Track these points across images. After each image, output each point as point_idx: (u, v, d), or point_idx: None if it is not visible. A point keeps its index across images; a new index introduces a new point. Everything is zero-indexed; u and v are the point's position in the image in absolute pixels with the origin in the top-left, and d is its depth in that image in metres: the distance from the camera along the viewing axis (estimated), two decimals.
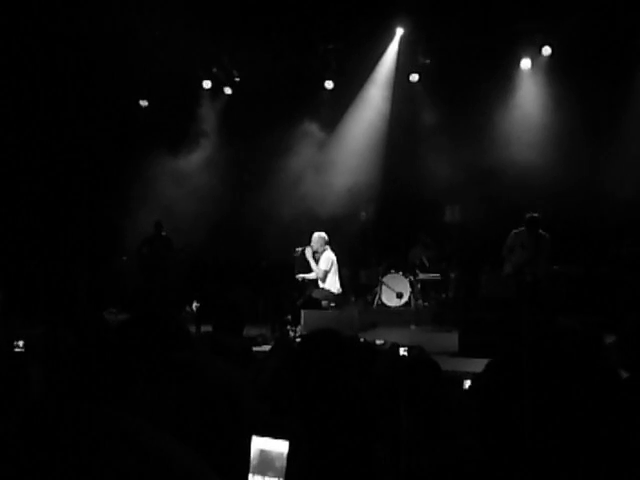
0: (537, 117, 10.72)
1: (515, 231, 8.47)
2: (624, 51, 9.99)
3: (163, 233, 10.58)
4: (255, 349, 6.74)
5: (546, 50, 10.55)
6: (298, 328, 7.78)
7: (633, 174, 9.40)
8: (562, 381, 1.39)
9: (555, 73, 10.54)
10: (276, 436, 1.87)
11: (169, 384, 1.72)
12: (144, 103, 12.02)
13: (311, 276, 8.56)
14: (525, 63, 10.83)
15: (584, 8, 9.49)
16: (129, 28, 9.53)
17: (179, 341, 1.79)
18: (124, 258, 11.06)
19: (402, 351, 4.63)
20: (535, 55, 10.74)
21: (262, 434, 1.73)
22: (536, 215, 8.33)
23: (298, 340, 7.57)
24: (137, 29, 9.78)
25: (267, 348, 6.93)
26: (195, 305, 9.12)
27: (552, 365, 1.41)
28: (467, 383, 3.45)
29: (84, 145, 11.26)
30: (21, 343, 3.24)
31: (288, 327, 8.03)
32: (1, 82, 9.86)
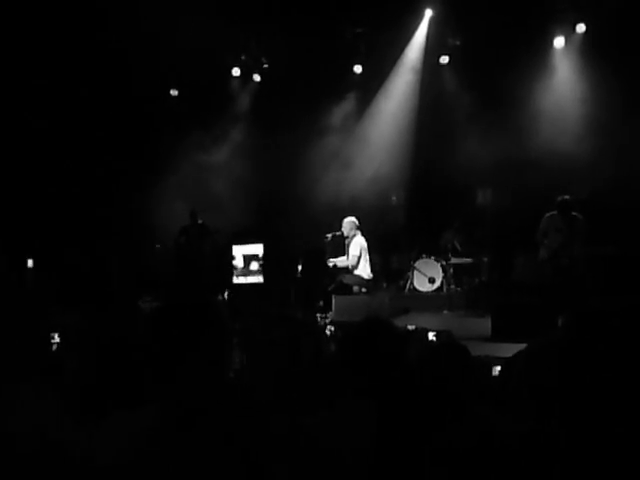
0: (572, 97, 10.48)
1: (548, 215, 8.33)
2: None
3: (199, 221, 10.69)
4: None
5: (580, 27, 10.29)
6: (329, 314, 7.80)
7: None
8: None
9: (590, 51, 10.28)
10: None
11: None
12: (174, 92, 12.10)
13: (342, 262, 8.56)
14: (558, 42, 10.58)
15: None
16: (157, 18, 9.58)
17: (214, 329, 1.79)
18: (157, 246, 11.20)
19: (431, 336, 4.61)
20: (569, 33, 10.48)
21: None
22: (568, 197, 8.18)
23: (330, 325, 7.60)
24: (165, 18, 9.83)
25: None
26: (227, 293, 9.20)
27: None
28: (497, 369, 3.42)
29: (117, 135, 11.40)
30: (56, 336, 3.29)
31: (318, 315, 8.05)
32: (34, 76, 10.02)
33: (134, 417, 1.68)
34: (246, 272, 8.17)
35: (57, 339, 3.25)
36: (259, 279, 8.16)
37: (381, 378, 2.17)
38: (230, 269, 8.28)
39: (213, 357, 1.69)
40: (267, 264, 8.17)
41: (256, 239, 8.37)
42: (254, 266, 8.12)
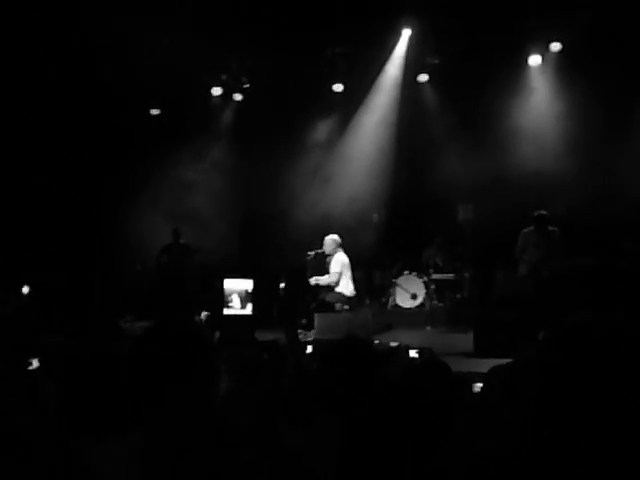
0: (548, 113, 10.66)
1: (525, 230, 8.41)
2: (634, 45, 9.90)
3: (181, 241, 10.65)
4: None
5: (555, 46, 10.48)
6: (311, 332, 7.78)
7: None
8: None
9: (565, 69, 10.47)
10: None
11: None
12: (155, 112, 12.10)
13: (324, 280, 8.56)
14: (534, 60, 10.77)
15: (592, 2, 9.42)
16: (138, 36, 9.60)
17: (200, 350, 1.79)
18: (139, 267, 11.14)
19: (412, 353, 4.62)
20: (544, 51, 10.67)
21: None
22: (544, 212, 8.28)
23: (311, 343, 7.60)
24: (146, 37, 9.86)
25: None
26: (204, 314, 9.19)
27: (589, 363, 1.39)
28: (477, 386, 3.42)
29: (97, 155, 11.36)
30: (35, 362, 3.24)
31: (300, 331, 8.06)
32: (11, 95, 9.96)
33: (119, 444, 1.66)
34: (236, 306, 8.42)
35: (36, 364, 3.21)
36: (248, 311, 8.40)
37: (359, 396, 2.17)
38: (220, 299, 8.53)
39: (201, 381, 1.68)
40: (257, 298, 8.47)
41: (246, 274, 8.65)
42: (244, 301, 8.39)
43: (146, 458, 1.57)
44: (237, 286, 8.49)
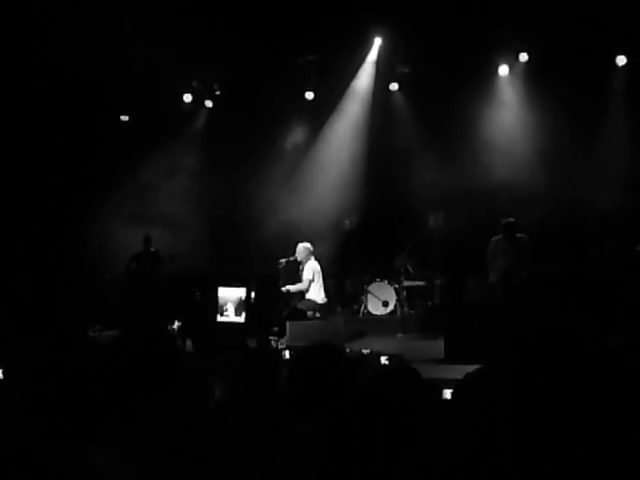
0: (516, 122, 10.82)
1: (494, 238, 8.52)
2: (599, 56, 10.13)
3: (152, 249, 10.54)
4: None
5: (523, 57, 10.66)
6: (283, 339, 7.76)
7: (611, 180, 9.53)
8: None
9: (533, 79, 10.66)
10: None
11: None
12: (125, 118, 11.98)
13: (296, 288, 8.55)
14: (503, 70, 10.94)
15: (559, 14, 9.60)
16: (108, 43, 9.52)
17: (169, 361, 1.78)
18: (109, 275, 10.99)
19: (383, 360, 4.63)
20: (512, 62, 10.85)
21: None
22: (512, 220, 8.40)
23: (285, 351, 7.58)
24: (116, 44, 9.77)
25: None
26: (177, 324, 9.12)
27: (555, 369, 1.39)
28: (448, 392, 3.44)
29: (66, 161, 11.21)
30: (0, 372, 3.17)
31: (270, 338, 8.05)
32: None
33: (94, 453, 1.63)
34: (229, 314, 8.42)
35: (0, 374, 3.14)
36: (241, 319, 8.38)
37: (330, 403, 2.17)
38: (214, 308, 8.53)
39: (175, 388, 1.67)
40: (251, 305, 8.47)
41: (240, 282, 8.65)
42: (238, 308, 8.40)
43: (131, 460, 1.55)
44: (231, 294, 8.46)
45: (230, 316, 8.39)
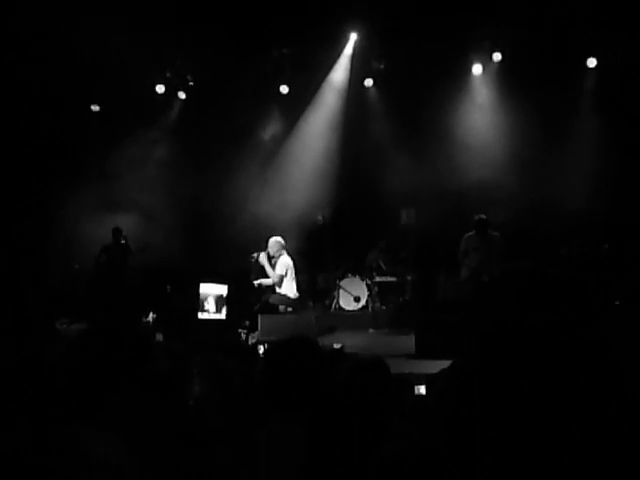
0: (489, 121, 10.94)
1: (466, 235, 8.61)
2: (571, 57, 10.28)
3: (122, 241, 10.40)
4: None
5: (496, 56, 10.77)
6: (255, 334, 7.73)
7: (580, 180, 9.68)
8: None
9: (505, 78, 10.77)
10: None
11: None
12: (95, 108, 11.79)
13: (268, 282, 8.52)
14: (477, 69, 11.03)
15: (532, 15, 9.71)
16: (80, 32, 9.35)
17: (139, 352, 1.75)
18: (76, 266, 10.81)
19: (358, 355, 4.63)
20: (486, 61, 10.94)
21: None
22: (484, 217, 8.48)
23: (260, 346, 7.55)
24: (89, 33, 9.60)
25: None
26: (152, 316, 9.02)
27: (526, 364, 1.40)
28: (421, 388, 3.46)
29: (35, 151, 10.98)
30: None
31: (240, 331, 8.02)
32: None
33: None
34: (210, 310, 8.37)
35: None
36: (222, 316, 8.33)
37: (303, 396, 2.15)
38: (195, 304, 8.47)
39: (146, 382, 1.64)
40: (232, 302, 8.41)
41: (222, 279, 8.60)
42: (219, 305, 8.35)
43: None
44: (212, 290, 8.43)
45: (210, 313, 8.36)
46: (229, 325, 8.41)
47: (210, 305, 8.35)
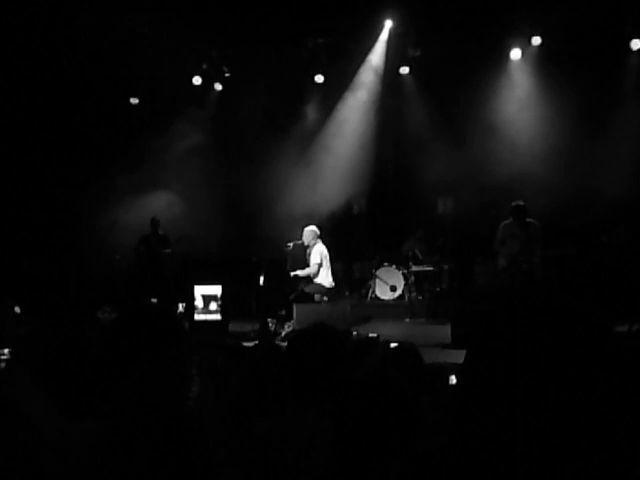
0: (528, 107, 10.71)
1: (504, 223, 8.43)
2: (613, 39, 10.00)
3: (160, 231, 10.57)
4: (247, 344, 6.75)
5: (536, 40, 10.53)
6: (291, 323, 7.79)
7: (623, 166, 9.43)
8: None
9: (545, 63, 10.54)
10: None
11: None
12: (135, 101, 11.98)
13: (304, 273, 8.55)
14: (515, 53, 10.81)
15: None
16: (118, 26, 9.50)
17: (172, 337, 1.79)
18: (117, 257, 11.03)
19: (392, 345, 4.62)
20: (525, 45, 10.71)
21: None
22: (521, 203, 8.26)
23: (285, 334, 7.62)
24: (126, 26, 9.74)
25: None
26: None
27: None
28: (453, 378, 3.45)
29: (76, 143, 11.22)
30: (6, 351, 3.20)
31: (269, 320, 8.10)
32: None
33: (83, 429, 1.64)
34: (206, 311, 8.54)
35: (7, 354, 3.17)
36: (217, 317, 8.49)
37: (326, 385, 2.16)
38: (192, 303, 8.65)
39: (168, 366, 1.68)
40: (225, 304, 8.53)
41: (216, 280, 8.75)
42: (213, 306, 8.54)
43: (114, 441, 1.56)
44: (206, 292, 8.58)
45: (205, 314, 8.50)
46: (225, 325, 8.53)
47: (204, 306, 8.50)
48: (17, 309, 8.86)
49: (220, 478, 1.65)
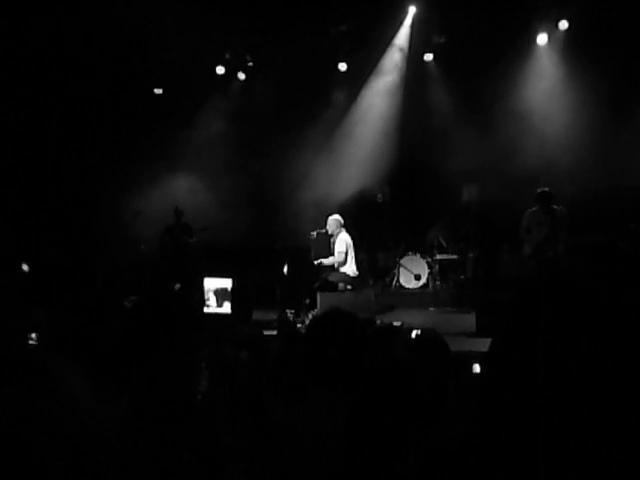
0: (555, 93, 10.53)
1: (530, 210, 8.31)
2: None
3: (183, 220, 10.65)
4: (270, 333, 6.78)
5: (563, 24, 10.34)
6: (314, 311, 7.80)
7: None
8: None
9: (572, 48, 10.33)
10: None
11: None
12: (158, 91, 12.05)
13: (328, 261, 8.56)
14: (542, 38, 10.62)
15: None
16: (140, 16, 9.53)
17: (188, 324, 1.81)
18: (142, 246, 11.15)
19: (415, 332, 4.61)
20: (552, 30, 10.52)
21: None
22: (547, 189, 8.13)
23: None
24: (148, 16, 9.77)
25: None
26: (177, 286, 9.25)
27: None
28: (477, 367, 3.43)
29: (101, 134, 11.34)
30: (34, 335, 3.27)
31: (287, 311, 8.11)
32: (15, 74, 9.93)
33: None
34: (216, 305, 8.55)
35: (34, 338, 3.24)
36: (227, 310, 8.48)
37: (346, 370, 2.16)
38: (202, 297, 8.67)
39: (183, 348, 1.70)
40: (236, 297, 8.52)
41: (226, 273, 8.75)
42: (224, 299, 8.50)
43: (132, 422, 1.59)
44: (215, 285, 8.57)
45: (212, 307, 8.49)
46: (235, 319, 8.52)
47: (212, 300, 8.49)
48: (25, 267, 9.02)
49: (233, 469, 1.67)
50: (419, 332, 4.88)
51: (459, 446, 2.07)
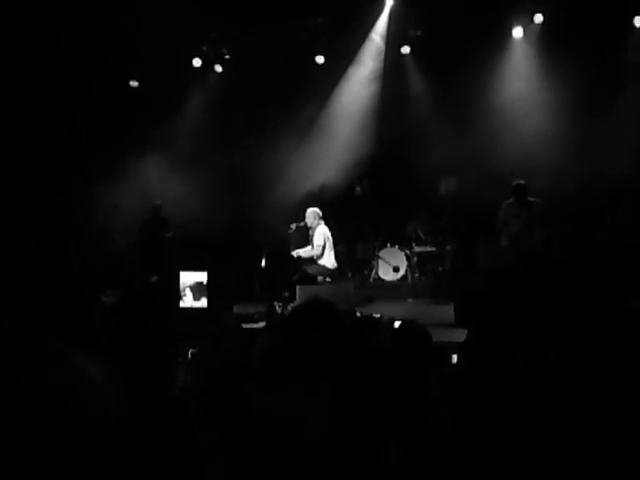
0: (530, 86, 10.64)
1: (506, 202, 8.43)
2: (616, 18, 9.89)
3: (161, 215, 10.58)
4: (251, 326, 6.78)
5: (538, 18, 10.44)
6: (294, 304, 7.80)
7: (627, 146, 9.37)
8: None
9: (547, 41, 10.44)
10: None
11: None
12: (134, 83, 11.92)
13: (306, 252, 8.57)
14: (517, 32, 10.71)
15: None
16: (115, 7, 9.41)
17: (168, 317, 1.82)
18: (119, 241, 11.05)
19: (397, 324, 4.64)
20: (527, 23, 10.62)
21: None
22: (522, 182, 8.26)
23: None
24: (124, 8, 9.65)
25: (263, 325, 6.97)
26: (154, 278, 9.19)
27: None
28: (454, 357, 3.47)
29: (76, 129, 11.18)
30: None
31: (275, 303, 8.10)
32: None
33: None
34: (191, 298, 8.43)
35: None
36: (203, 304, 8.37)
37: (327, 358, 2.17)
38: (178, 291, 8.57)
39: (162, 342, 1.70)
40: (212, 291, 8.42)
41: (203, 267, 8.63)
42: (201, 294, 8.37)
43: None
44: (191, 279, 8.47)
45: (188, 301, 8.41)
46: (212, 313, 8.44)
47: (187, 294, 8.38)
48: None
49: (214, 459, 1.67)
50: (402, 323, 4.92)
51: (439, 434, 2.10)
